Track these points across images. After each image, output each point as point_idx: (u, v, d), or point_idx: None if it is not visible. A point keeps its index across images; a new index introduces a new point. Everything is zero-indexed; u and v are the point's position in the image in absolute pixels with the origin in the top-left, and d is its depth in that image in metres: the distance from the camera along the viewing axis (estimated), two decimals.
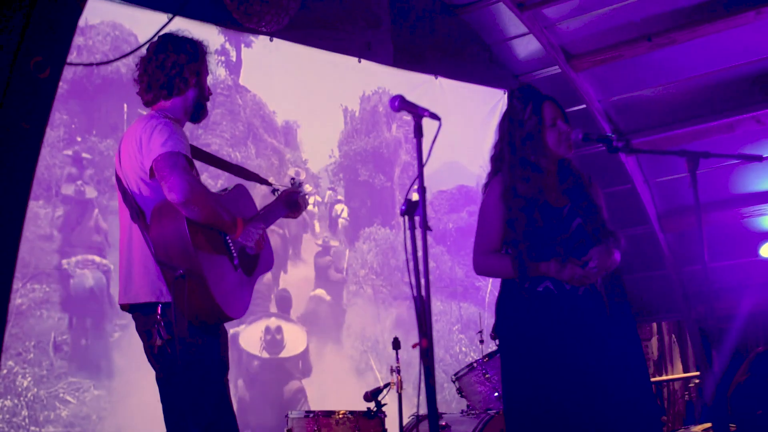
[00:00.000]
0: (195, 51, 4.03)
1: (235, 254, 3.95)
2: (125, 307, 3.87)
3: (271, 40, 7.24)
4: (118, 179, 3.88)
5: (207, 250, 3.75)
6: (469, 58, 8.88)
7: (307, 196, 4.55)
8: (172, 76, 3.95)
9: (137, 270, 3.77)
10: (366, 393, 6.10)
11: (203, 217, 3.70)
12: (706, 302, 8.48)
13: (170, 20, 3.68)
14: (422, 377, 3.17)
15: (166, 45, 3.99)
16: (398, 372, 6.08)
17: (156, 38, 4.05)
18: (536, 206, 4.07)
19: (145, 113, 4.04)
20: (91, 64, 3.08)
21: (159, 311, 3.67)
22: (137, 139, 3.78)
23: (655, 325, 11.34)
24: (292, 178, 4.61)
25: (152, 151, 3.71)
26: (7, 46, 2.36)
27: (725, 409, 6.95)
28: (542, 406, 3.99)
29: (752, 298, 8.45)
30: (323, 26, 7.71)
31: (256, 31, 7.09)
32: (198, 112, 4.08)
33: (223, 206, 3.81)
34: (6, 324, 2.37)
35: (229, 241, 3.92)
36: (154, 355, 3.75)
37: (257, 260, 4.11)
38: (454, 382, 6.44)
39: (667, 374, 11.23)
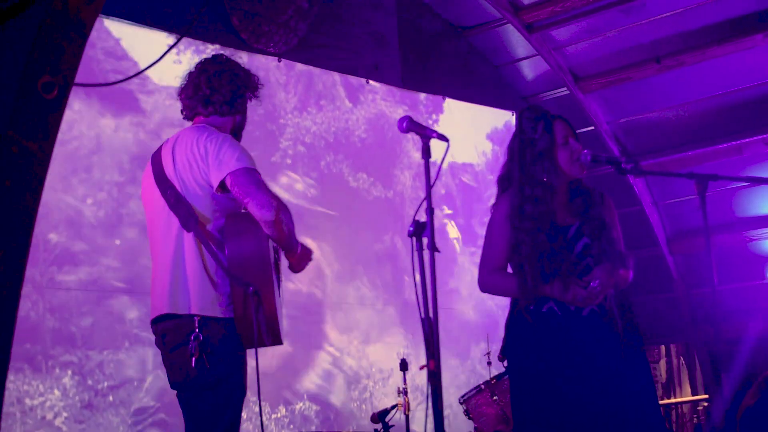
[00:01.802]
0: (254, 80, 4.06)
1: (281, 278, 3.96)
2: (164, 318, 3.76)
3: (279, 61, 7.26)
4: (169, 184, 3.78)
5: (274, 273, 3.74)
6: (477, 79, 8.90)
7: None
8: (237, 95, 3.95)
9: (191, 280, 3.69)
10: (373, 414, 6.09)
11: (282, 235, 3.68)
12: (714, 325, 8.44)
13: (179, 40, 3.66)
14: (430, 399, 3.15)
15: (231, 64, 4.00)
16: (405, 393, 6.07)
17: (215, 57, 4.04)
18: (543, 229, 4.03)
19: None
20: (98, 85, 3.05)
21: (197, 324, 3.64)
22: (200, 147, 3.72)
23: (663, 347, 11.31)
24: None
25: (224, 163, 3.65)
26: (14, 66, 2.36)
27: None
28: (546, 429, 3.95)
29: (761, 321, 8.42)
30: (331, 47, 7.74)
31: (265, 52, 7.12)
32: (237, 137, 4.07)
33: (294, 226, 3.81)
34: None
35: (279, 263, 3.93)
36: (187, 368, 3.67)
37: (279, 286, 4.09)
38: (461, 404, 6.42)
39: (675, 397, 11.19)
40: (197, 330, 3.61)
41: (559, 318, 4.00)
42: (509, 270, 4.21)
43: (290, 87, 7.43)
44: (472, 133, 8.67)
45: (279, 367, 6.80)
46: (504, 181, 4.27)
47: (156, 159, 3.92)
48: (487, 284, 4.19)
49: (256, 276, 3.61)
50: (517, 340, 4.11)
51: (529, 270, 4.00)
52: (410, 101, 8.32)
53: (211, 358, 3.61)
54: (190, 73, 4.02)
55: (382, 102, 8.10)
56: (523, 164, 4.16)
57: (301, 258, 3.98)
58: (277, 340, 3.79)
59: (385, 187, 7.95)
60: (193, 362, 3.59)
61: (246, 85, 4.00)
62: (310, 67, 7.56)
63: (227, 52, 4.25)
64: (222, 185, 3.68)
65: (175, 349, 3.70)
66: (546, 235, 4.02)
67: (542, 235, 4.02)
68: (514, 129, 4.38)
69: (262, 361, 3.61)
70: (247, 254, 3.64)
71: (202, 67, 4.00)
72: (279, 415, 6.75)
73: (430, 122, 8.43)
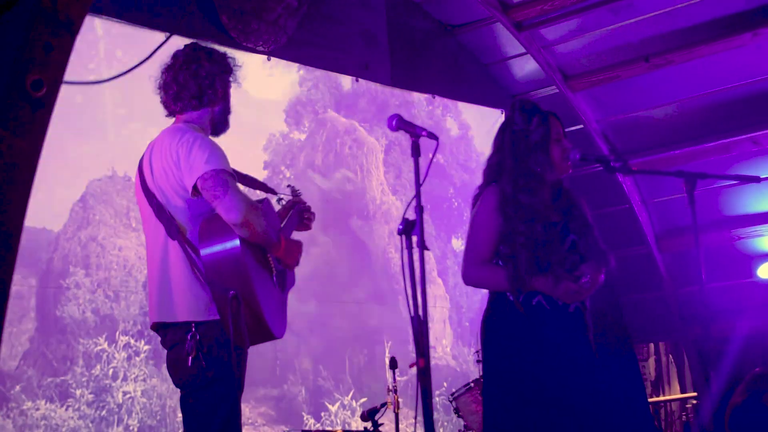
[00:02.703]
0: (226, 63, 4.00)
1: (275, 271, 3.94)
2: (158, 326, 3.79)
3: (268, 59, 7.25)
4: (150, 194, 3.79)
5: (255, 269, 3.71)
6: (466, 77, 8.89)
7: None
8: (204, 86, 3.89)
9: (175, 288, 3.69)
10: (363, 412, 6.09)
11: (255, 236, 3.66)
12: (703, 323, 8.46)
13: (167, 39, 3.65)
14: (419, 397, 3.15)
15: (198, 54, 3.93)
16: (395, 392, 6.07)
17: (186, 47, 3.99)
18: (539, 219, 3.99)
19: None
20: (87, 83, 3.03)
21: (193, 327, 3.63)
22: (173, 153, 3.70)
23: (652, 345, 11.32)
24: (289, 185, 4.55)
25: (194, 168, 3.64)
26: (3, 64, 2.36)
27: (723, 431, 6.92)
28: (530, 423, 3.90)
29: (749, 319, 8.44)
30: (321, 46, 7.72)
31: (254, 51, 7.10)
32: (222, 126, 4.03)
33: (270, 224, 3.79)
34: None
35: (270, 257, 3.90)
36: (183, 368, 3.67)
37: (285, 275, 4.07)
38: (451, 402, 6.42)
39: (664, 395, 11.20)
40: (194, 329, 3.61)
41: (548, 312, 3.97)
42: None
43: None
44: None
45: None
46: (493, 173, 4.20)
47: (140, 168, 3.91)
48: (472, 277, 4.10)
49: (233, 278, 3.59)
50: (499, 332, 4.02)
51: (524, 260, 3.96)
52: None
53: (207, 358, 3.61)
54: (162, 70, 3.98)
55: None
56: (516, 155, 4.11)
57: (287, 253, 3.96)
58: (263, 337, 3.77)
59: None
60: (190, 361, 3.60)
61: (214, 74, 3.93)
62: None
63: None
64: (196, 189, 3.67)
65: (173, 347, 3.71)
66: (542, 226, 3.98)
67: (538, 226, 3.98)
68: (503, 121, 4.33)
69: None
70: (220, 258, 3.63)
71: (172, 62, 3.96)
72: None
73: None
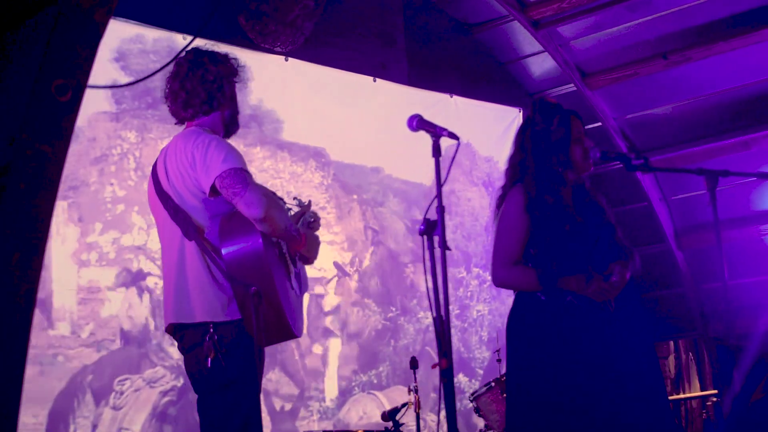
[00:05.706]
0: (231, 65, 4.01)
1: (293, 270, 3.95)
2: (174, 327, 3.80)
3: (286, 60, 7.26)
4: (166, 196, 3.81)
5: (276, 267, 3.73)
6: (484, 76, 8.88)
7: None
8: (213, 90, 3.91)
9: (193, 289, 3.70)
10: (383, 412, 6.09)
11: (277, 230, 3.69)
12: (724, 320, 8.43)
13: (190, 42, 3.66)
14: (442, 397, 3.15)
15: (202, 59, 3.94)
16: (416, 391, 6.06)
17: (187, 53, 4.00)
18: (567, 219, 3.99)
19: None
20: (112, 87, 3.04)
21: (211, 328, 3.65)
22: (189, 155, 3.72)
23: (672, 343, 11.27)
24: (295, 198, 4.57)
25: (211, 168, 3.65)
26: (28, 69, 2.37)
27: (745, 428, 6.89)
28: (560, 419, 3.89)
29: None
30: (338, 46, 7.73)
31: (272, 51, 7.12)
32: (233, 127, 4.06)
33: (289, 219, 3.81)
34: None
35: (287, 256, 3.92)
36: (203, 369, 3.68)
37: (300, 278, 4.09)
38: (471, 401, 6.41)
39: (684, 392, 11.15)
40: (212, 330, 3.63)
41: (581, 311, 3.95)
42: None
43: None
44: None
45: None
46: (515, 173, 4.20)
47: (154, 172, 3.93)
48: (503, 278, 4.10)
49: (255, 274, 3.61)
50: (536, 330, 4.01)
51: (557, 260, 3.96)
52: None
53: (226, 358, 3.62)
54: (167, 78, 4.01)
55: None
56: (538, 155, 4.12)
57: (309, 246, 3.99)
58: (283, 336, 3.78)
59: None
60: (209, 362, 3.61)
61: (222, 76, 3.94)
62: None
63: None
64: (214, 189, 3.69)
65: (191, 350, 3.72)
66: (570, 226, 3.98)
67: (567, 226, 3.97)
68: (523, 120, 4.33)
69: None
70: (242, 254, 3.64)
71: (176, 69, 3.97)
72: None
73: None
